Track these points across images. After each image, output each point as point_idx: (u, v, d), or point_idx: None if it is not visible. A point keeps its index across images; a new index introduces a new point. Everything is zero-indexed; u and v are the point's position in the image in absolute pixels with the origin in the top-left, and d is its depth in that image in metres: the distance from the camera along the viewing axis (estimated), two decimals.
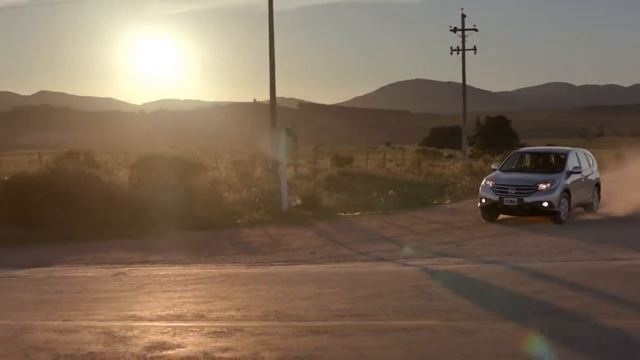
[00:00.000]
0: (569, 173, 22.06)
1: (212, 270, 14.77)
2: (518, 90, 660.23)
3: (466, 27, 60.21)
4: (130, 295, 12.04)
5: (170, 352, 8.26)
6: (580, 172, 22.59)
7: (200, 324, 9.57)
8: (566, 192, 21.67)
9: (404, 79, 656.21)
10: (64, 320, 9.93)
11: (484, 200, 21.99)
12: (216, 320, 9.75)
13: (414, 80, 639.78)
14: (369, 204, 27.09)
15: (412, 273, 13.59)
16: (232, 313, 10.21)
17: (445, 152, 70.25)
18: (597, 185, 24.36)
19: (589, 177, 23.56)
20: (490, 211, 22.03)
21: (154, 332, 9.18)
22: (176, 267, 15.25)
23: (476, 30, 60.12)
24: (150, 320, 9.95)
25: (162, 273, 14.43)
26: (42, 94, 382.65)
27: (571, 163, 22.47)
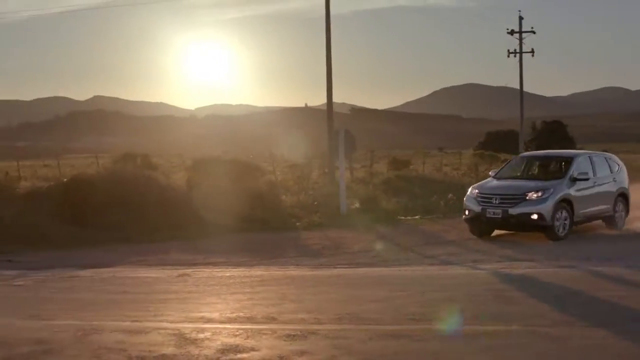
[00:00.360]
0: (574, 180, 18.89)
1: (277, 272, 14.49)
2: (572, 95, 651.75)
3: (523, 29, 59.39)
4: (197, 297, 11.80)
5: (244, 355, 7.97)
6: (587, 179, 19.22)
7: (272, 326, 9.27)
8: (565, 202, 18.48)
9: (456, 84, 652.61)
10: (132, 321, 9.71)
11: (467, 212, 19.24)
12: (288, 323, 9.44)
13: (466, 84, 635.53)
14: (428, 208, 26.64)
15: (483, 277, 13.17)
16: (304, 316, 9.90)
17: (502, 156, 69.29)
18: (622, 195, 20.54)
19: (606, 186, 20.04)
20: (478, 225, 19.13)
21: (225, 334, 8.90)
22: (239, 269, 15.00)
23: (534, 32, 59.26)
24: (221, 322, 9.67)
25: (227, 274, 14.19)
26: (96, 98, 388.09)
27: (577, 169, 19.19)
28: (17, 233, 20.54)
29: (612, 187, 20.30)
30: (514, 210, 18.21)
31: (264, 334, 8.85)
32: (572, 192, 18.79)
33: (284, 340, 8.52)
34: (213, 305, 10.93)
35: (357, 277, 13.74)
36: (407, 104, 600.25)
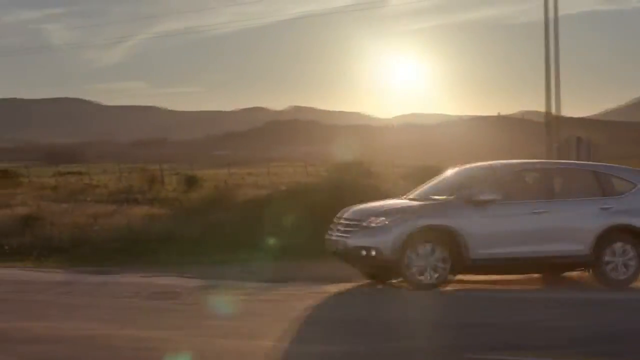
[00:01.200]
0: (473, 204, 12.94)
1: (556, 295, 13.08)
2: None
3: None
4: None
5: None
6: (492, 201, 12.93)
7: None
8: (442, 233, 12.74)
9: None
10: None
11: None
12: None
13: None
14: None
15: None
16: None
17: None
18: (625, 232, 13.43)
19: (574, 216, 13.42)
20: (355, 263, 13.73)
21: None
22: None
23: None
24: None
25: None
26: (293, 108, 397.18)
27: (485, 188, 13.16)
28: (238, 241, 20.29)
29: (591, 219, 13.35)
30: (352, 241, 13.03)
31: None
32: (466, 219, 12.86)
33: None
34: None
35: None
36: (607, 112, 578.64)
